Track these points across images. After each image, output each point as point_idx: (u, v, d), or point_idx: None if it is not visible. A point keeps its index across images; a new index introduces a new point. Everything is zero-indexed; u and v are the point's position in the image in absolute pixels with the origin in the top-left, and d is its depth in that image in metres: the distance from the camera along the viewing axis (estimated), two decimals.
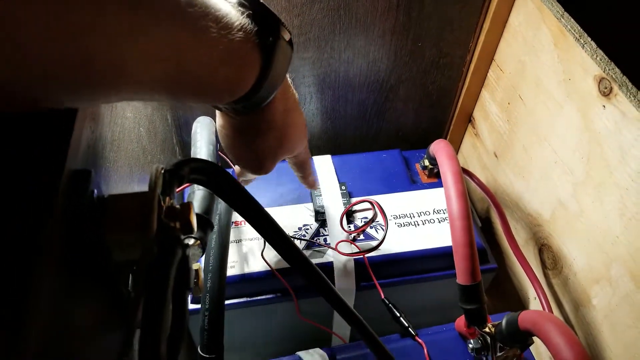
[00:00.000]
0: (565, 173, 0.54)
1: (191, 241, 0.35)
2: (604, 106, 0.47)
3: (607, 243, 0.48)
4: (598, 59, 0.47)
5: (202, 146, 0.48)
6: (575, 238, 0.53)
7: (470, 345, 0.48)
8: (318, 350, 0.51)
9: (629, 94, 0.44)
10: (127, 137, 0.39)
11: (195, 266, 0.35)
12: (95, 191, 0.28)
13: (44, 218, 0.21)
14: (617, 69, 0.45)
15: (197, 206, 0.38)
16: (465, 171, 0.65)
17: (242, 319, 0.58)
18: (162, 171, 0.28)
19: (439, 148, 0.55)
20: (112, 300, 0.34)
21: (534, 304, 0.63)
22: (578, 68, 0.49)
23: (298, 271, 0.36)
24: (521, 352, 0.47)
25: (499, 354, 0.46)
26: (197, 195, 0.39)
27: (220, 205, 0.48)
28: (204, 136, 0.48)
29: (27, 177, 0.22)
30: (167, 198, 0.29)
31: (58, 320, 0.23)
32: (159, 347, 0.24)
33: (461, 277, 0.47)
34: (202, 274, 0.34)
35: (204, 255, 0.45)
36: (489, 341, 0.47)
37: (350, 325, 0.41)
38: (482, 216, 0.74)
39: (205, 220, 0.37)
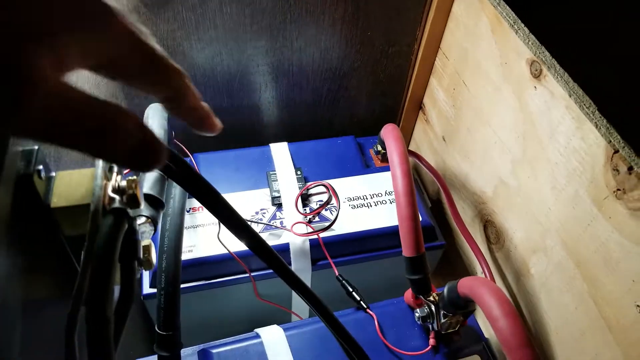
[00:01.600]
0: (504, 152, 0.57)
1: (142, 219, 0.36)
2: (535, 87, 0.50)
3: (541, 215, 0.52)
4: (530, 43, 0.50)
5: (153, 129, 0.48)
6: (515, 212, 0.57)
7: (417, 314, 0.51)
8: (275, 326, 0.53)
9: (556, 74, 0.47)
10: None
11: (146, 242, 0.36)
12: (42, 168, 0.29)
13: None
14: (546, 52, 0.49)
15: (147, 187, 0.39)
16: (414, 154, 0.68)
17: (200, 302, 0.60)
18: None
19: (387, 131, 0.58)
20: (67, 275, 0.35)
21: None
22: (512, 52, 0.53)
23: (252, 249, 0.37)
24: (464, 319, 0.51)
25: (442, 320, 0.49)
26: (147, 176, 0.40)
27: (175, 190, 0.49)
28: (156, 121, 0.49)
29: None
30: (114, 175, 0.30)
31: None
32: (105, 308, 0.25)
33: (406, 249, 0.50)
34: (153, 251, 0.35)
35: (159, 238, 0.46)
36: (433, 309, 0.50)
37: (305, 301, 0.41)
38: (433, 198, 0.77)
39: (155, 199, 0.39)
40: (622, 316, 0.43)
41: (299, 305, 0.65)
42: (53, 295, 0.33)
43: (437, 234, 0.65)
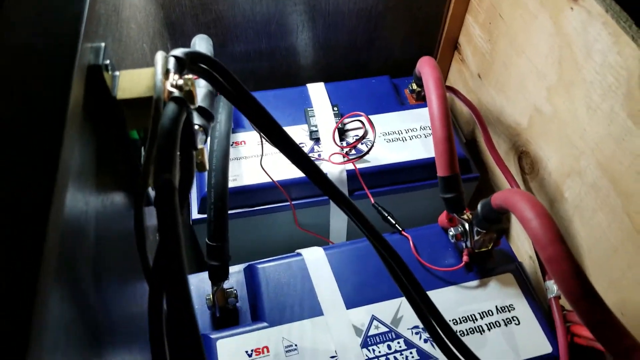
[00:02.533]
0: (539, 79, 0.57)
1: (195, 127, 0.40)
2: (572, 8, 0.50)
3: (576, 137, 0.52)
4: None
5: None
6: (549, 139, 0.58)
7: (451, 233, 0.53)
8: (316, 247, 0.56)
9: None
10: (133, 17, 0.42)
11: (199, 146, 0.39)
12: (109, 63, 0.32)
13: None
14: None
15: (199, 100, 0.42)
16: (450, 88, 0.69)
17: (244, 229, 0.63)
18: (169, 55, 0.32)
19: (423, 62, 0.59)
20: (130, 172, 0.38)
21: None
22: None
23: (301, 168, 0.39)
24: (497, 237, 0.52)
25: (476, 238, 0.51)
26: (198, 91, 0.43)
27: (222, 116, 0.52)
28: (203, 47, 0.51)
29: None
30: (172, 74, 0.33)
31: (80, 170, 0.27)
32: (172, 173, 0.28)
33: (440, 169, 0.51)
34: (206, 155, 0.38)
35: (207, 159, 0.50)
36: (467, 227, 0.52)
37: (350, 217, 0.41)
38: (468, 137, 0.78)
39: (205, 111, 0.42)
40: None
41: (337, 235, 0.68)
42: (119, 188, 0.36)
43: (472, 167, 0.67)
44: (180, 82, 0.33)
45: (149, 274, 0.30)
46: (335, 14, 0.71)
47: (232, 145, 0.65)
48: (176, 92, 0.31)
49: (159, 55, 0.32)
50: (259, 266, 0.54)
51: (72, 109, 0.26)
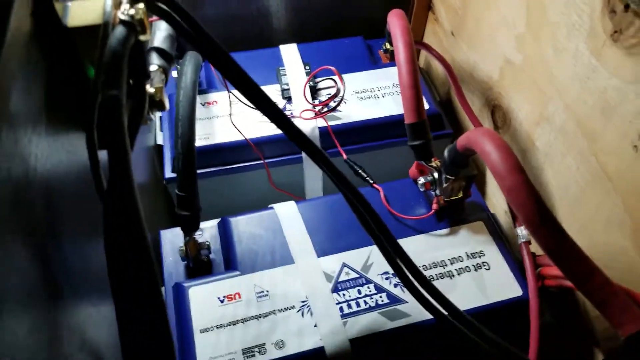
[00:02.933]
0: (509, 29, 0.57)
1: (154, 67, 0.39)
2: None
3: (544, 82, 0.53)
4: None
5: None
6: (520, 89, 0.58)
7: (420, 182, 0.53)
8: (290, 201, 0.56)
9: None
10: None
11: (158, 85, 0.38)
12: None
13: None
14: None
15: (158, 41, 0.42)
16: (422, 44, 0.69)
17: (217, 189, 0.63)
18: None
19: (390, 14, 0.58)
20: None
21: None
22: None
23: (271, 118, 0.37)
24: (467, 185, 0.53)
25: (445, 184, 0.51)
26: (158, 34, 0.43)
27: (188, 67, 0.52)
28: None
29: None
30: (124, 3, 0.32)
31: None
32: (121, 111, 0.27)
33: (408, 116, 0.51)
34: (165, 94, 0.38)
35: (174, 108, 0.49)
36: (436, 175, 0.52)
37: (321, 167, 0.40)
38: (444, 98, 0.78)
39: (165, 52, 0.41)
40: (620, 161, 0.44)
41: (313, 195, 0.68)
42: (71, 119, 0.35)
43: (445, 123, 0.67)
44: (132, 11, 0.32)
45: (101, 195, 0.29)
46: None
47: (203, 105, 0.64)
48: (126, 19, 0.31)
49: None
50: (232, 219, 0.54)
51: (13, 35, 0.25)
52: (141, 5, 0.33)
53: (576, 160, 0.50)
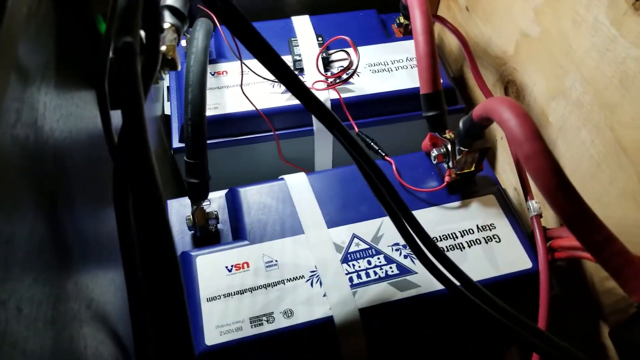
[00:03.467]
0: (526, 1, 0.56)
1: (167, 25, 0.39)
2: None
3: (562, 55, 0.52)
4: None
5: None
6: (535, 63, 0.57)
7: (433, 154, 0.52)
8: (300, 173, 0.55)
9: None
10: None
11: (170, 43, 0.38)
12: None
13: None
14: None
15: (171, 0, 0.41)
16: (438, 17, 0.67)
17: (226, 159, 0.63)
18: None
19: None
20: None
21: (501, 143, 0.67)
22: None
23: (287, 85, 0.36)
24: (480, 157, 0.52)
25: (458, 157, 0.50)
26: None
27: (199, 33, 0.51)
28: None
29: None
30: None
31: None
32: (135, 59, 0.27)
33: (423, 87, 0.51)
34: (177, 53, 0.37)
35: (184, 74, 0.48)
36: (449, 147, 0.51)
37: (337, 137, 0.38)
38: (457, 74, 0.77)
39: (178, 11, 0.40)
40: (637, 133, 0.43)
41: (323, 168, 0.67)
42: (82, 75, 0.35)
43: (458, 98, 0.66)
44: None
45: (113, 152, 0.29)
46: None
47: (213, 75, 0.64)
48: None
49: None
50: (241, 189, 0.53)
51: None
52: None
53: (591, 134, 0.49)
